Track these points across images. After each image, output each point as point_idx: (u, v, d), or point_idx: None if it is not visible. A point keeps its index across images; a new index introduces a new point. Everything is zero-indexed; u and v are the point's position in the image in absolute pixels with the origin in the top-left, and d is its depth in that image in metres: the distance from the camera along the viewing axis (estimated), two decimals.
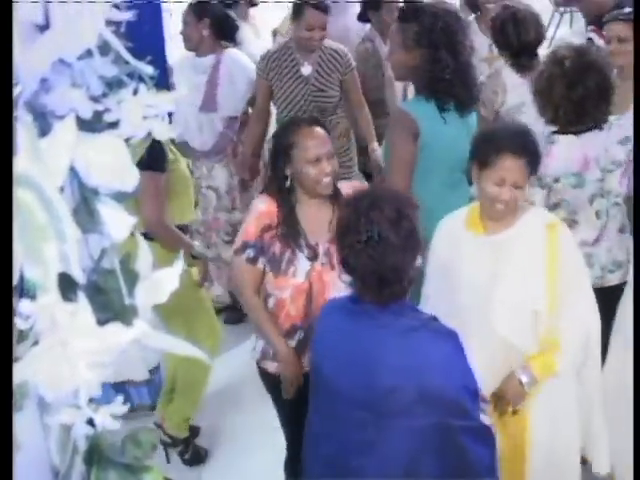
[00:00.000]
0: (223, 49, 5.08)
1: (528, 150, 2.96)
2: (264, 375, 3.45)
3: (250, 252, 3.22)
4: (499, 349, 2.99)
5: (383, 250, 2.45)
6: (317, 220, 3.22)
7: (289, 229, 3.19)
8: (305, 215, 3.22)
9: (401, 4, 4.27)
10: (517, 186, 2.94)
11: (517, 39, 4.44)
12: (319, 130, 3.20)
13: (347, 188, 3.28)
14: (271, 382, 3.41)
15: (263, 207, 3.24)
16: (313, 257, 3.19)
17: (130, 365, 4.34)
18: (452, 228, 3.15)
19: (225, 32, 5.12)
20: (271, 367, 3.37)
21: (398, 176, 3.61)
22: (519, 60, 4.47)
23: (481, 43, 5.03)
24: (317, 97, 4.79)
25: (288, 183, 3.20)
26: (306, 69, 4.76)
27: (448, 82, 3.61)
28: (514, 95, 4.41)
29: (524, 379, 2.96)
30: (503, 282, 2.98)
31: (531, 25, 4.46)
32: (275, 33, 6.02)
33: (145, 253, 1.40)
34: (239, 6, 5.97)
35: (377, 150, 4.75)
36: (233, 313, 5.42)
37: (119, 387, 4.33)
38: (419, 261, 2.57)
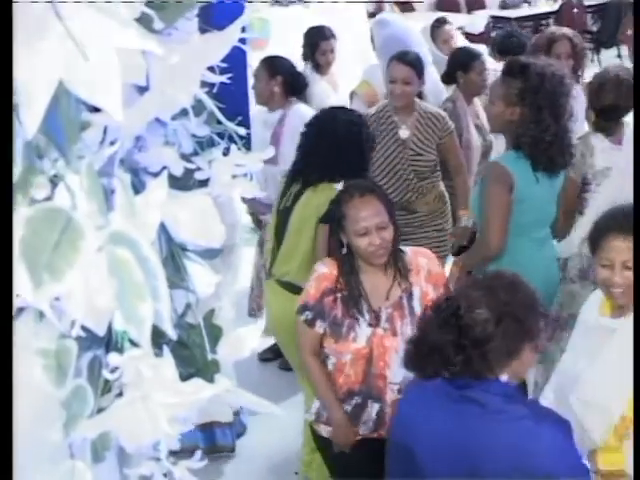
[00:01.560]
0: (290, 104, 5.16)
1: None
2: (316, 437, 3.45)
3: (308, 314, 3.21)
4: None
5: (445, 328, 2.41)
6: (378, 286, 3.19)
7: (350, 294, 3.16)
8: (367, 280, 3.19)
9: (509, 60, 4.28)
10: (629, 268, 2.76)
11: (610, 103, 4.39)
12: (372, 200, 3.13)
13: (413, 254, 3.25)
14: (323, 444, 3.41)
15: (325, 270, 3.21)
16: (375, 323, 3.15)
17: (217, 407, 4.36)
18: (596, 298, 3.03)
19: (295, 88, 5.21)
20: (324, 431, 3.35)
21: (495, 229, 3.64)
22: (608, 124, 4.42)
23: None
24: (415, 161, 4.78)
25: (346, 250, 3.17)
26: (404, 132, 4.76)
27: (547, 144, 3.64)
28: (602, 159, 4.36)
29: (586, 464, 2.84)
30: (591, 371, 2.87)
31: (625, 90, 4.39)
32: (352, 95, 6.08)
33: (228, 309, 1.42)
34: (314, 63, 6.09)
35: (465, 219, 4.71)
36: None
37: (205, 428, 4.36)
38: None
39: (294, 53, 5.97)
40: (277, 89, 5.09)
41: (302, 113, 5.11)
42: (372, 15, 8.72)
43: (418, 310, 3.15)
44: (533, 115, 3.63)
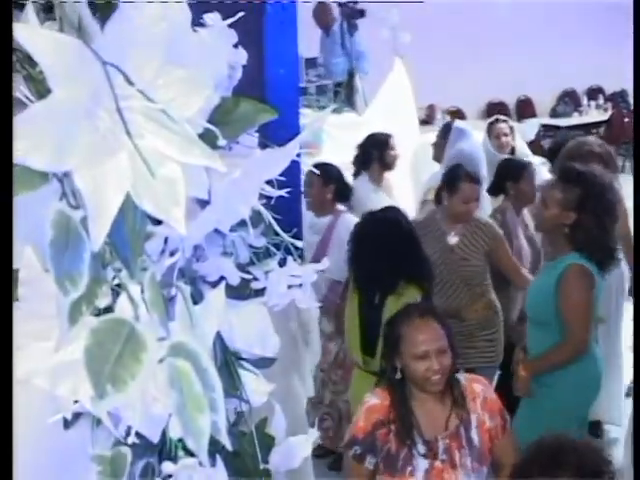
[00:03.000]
0: (340, 212, 5.24)
1: None
2: None
3: (357, 449, 3.03)
4: None
5: None
6: (434, 415, 3.04)
7: (403, 425, 3.00)
8: (420, 409, 3.04)
9: (564, 165, 4.36)
10: None
11: None
12: (431, 322, 3.03)
13: (468, 381, 3.10)
14: None
15: (375, 401, 3.05)
16: (432, 455, 2.99)
17: None
18: None
19: (345, 196, 5.35)
20: None
21: (585, 327, 3.82)
22: None
23: None
24: (461, 266, 4.81)
25: (399, 375, 3.04)
26: (453, 239, 4.80)
27: (610, 248, 3.89)
28: None
29: None
30: None
31: None
32: (423, 204, 6.10)
33: (280, 419, 1.42)
34: (374, 169, 6.17)
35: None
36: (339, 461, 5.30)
37: None
38: None
39: (346, 160, 6.07)
40: (329, 197, 5.21)
41: (351, 225, 5.17)
42: (424, 122, 8.84)
43: (476, 440, 3.00)
44: (593, 221, 3.80)
